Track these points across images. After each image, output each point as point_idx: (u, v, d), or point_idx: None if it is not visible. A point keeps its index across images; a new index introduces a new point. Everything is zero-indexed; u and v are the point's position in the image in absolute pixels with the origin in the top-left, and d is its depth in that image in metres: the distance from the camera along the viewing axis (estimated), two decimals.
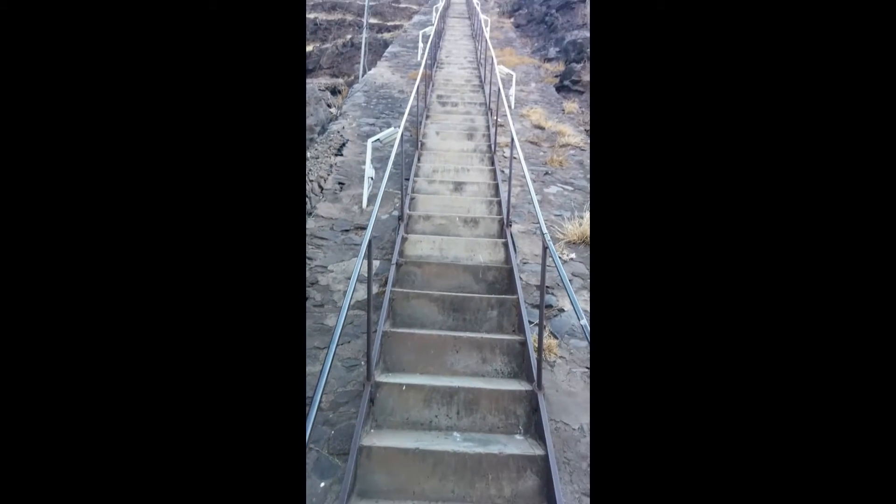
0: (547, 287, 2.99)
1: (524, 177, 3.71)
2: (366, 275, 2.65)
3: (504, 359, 2.88)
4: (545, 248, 2.59)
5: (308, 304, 3.42)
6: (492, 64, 6.25)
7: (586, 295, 3.56)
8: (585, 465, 2.38)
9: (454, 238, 3.99)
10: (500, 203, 4.46)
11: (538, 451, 2.28)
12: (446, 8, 12.53)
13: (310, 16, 18.72)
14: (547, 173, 5.39)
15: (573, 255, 4.01)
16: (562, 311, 3.42)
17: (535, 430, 2.48)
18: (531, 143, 6.07)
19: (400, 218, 4.17)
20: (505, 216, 4.18)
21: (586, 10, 12.44)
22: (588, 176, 5.41)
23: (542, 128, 6.53)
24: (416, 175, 5.00)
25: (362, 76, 11.34)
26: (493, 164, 5.24)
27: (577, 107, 8.00)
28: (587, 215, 4.40)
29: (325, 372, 1.68)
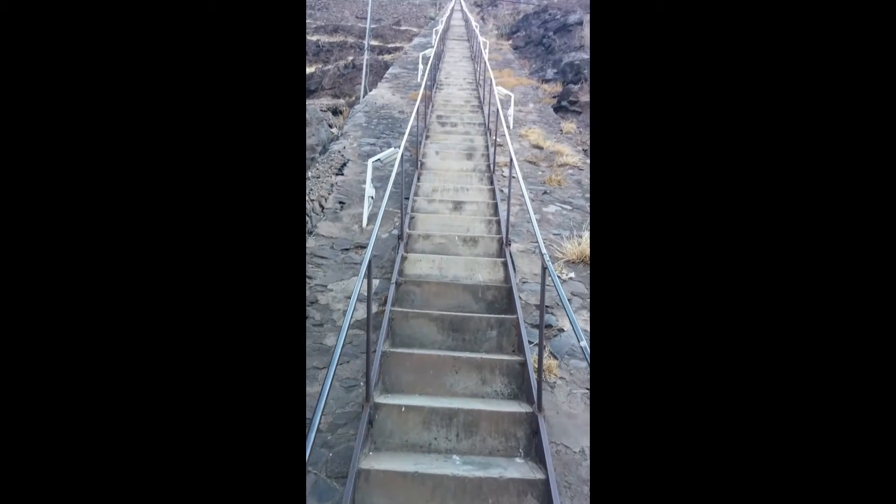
0: (546, 306, 2.99)
1: (523, 196, 3.74)
2: (365, 294, 2.65)
3: (504, 380, 2.86)
4: (544, 268, 2.59)
5: (307, 323, 3.40)
6: (490, 85, 6.34)
7: (586, 315, 3.55)
8: (587, 489, 2.34)
9: (453, 257, 4.00)
10: (499, 222, 4.47)
11: (539, 475, 2.24)
12: (446, 30, 12.78)
13: (312, 38, 19.09)
14: (545, 192, 5.43)
15: (572, 275, 4.01)
16: (561, 330, 3.41)
17: (535, 453, 2.44)
18: (530, 162, 6.13)
19: (400, 237, 4.18)
20: (504, 235, 4.20)
21: (583, 32, 12.69)
22: (586, 195, 5.44)
23: (540, 147, 6.60)
24: (416, 194, 5.04)
25: (363, 97, 11.50)
26: (492, 183, 5.28)
27: (575, 127, 8.11)
28: (586, 234, 4.42)
29: (324, 393, 1.66)
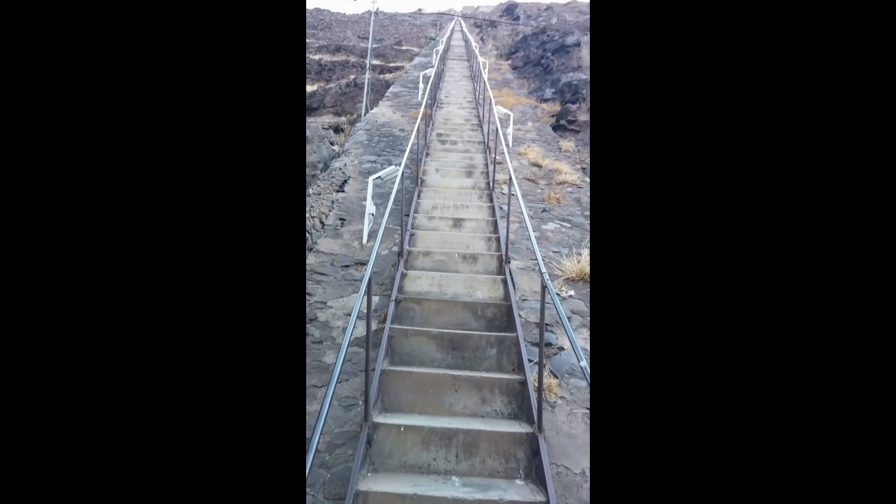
0: (546, 324, 2.97)
1: (522, 213, 3.75)
2: (365, 311, 2.64)
3: (504, 399, 2.83)
4: (544, 286, 2.59)
5: (306, 340, 3.38)
6: (490, 104, 6.42)
7: (586, 333, 3.53)
8: None
9: (453, 274, 3.99)
10: (498, 239, 4.49)
11: (539, 498, 2.21)
12: (446, 51, 12.99)
13: (315, 57, 19.39)
14: (544, 210, 5.45)
15: (572, 293, 4.00)
16: (562, 349, 3.39)
17: (535, 474, 2.41)
18: (529, 180, 6.17)
19: (399, 254, 4.18)
20: (504, 252, 4.20)
21: (581, 53, 12.92)
22: (585, 213, 5.47)
23: (539, 166, 6.65)
24: (416, 211, 5.06)
25: (364, 115, 11.63)
26: (491, 200, 5.31)
27: (574, 145, 8.19)
28: (585, 252, 4.42)
29: (323, 412, 1.64)
